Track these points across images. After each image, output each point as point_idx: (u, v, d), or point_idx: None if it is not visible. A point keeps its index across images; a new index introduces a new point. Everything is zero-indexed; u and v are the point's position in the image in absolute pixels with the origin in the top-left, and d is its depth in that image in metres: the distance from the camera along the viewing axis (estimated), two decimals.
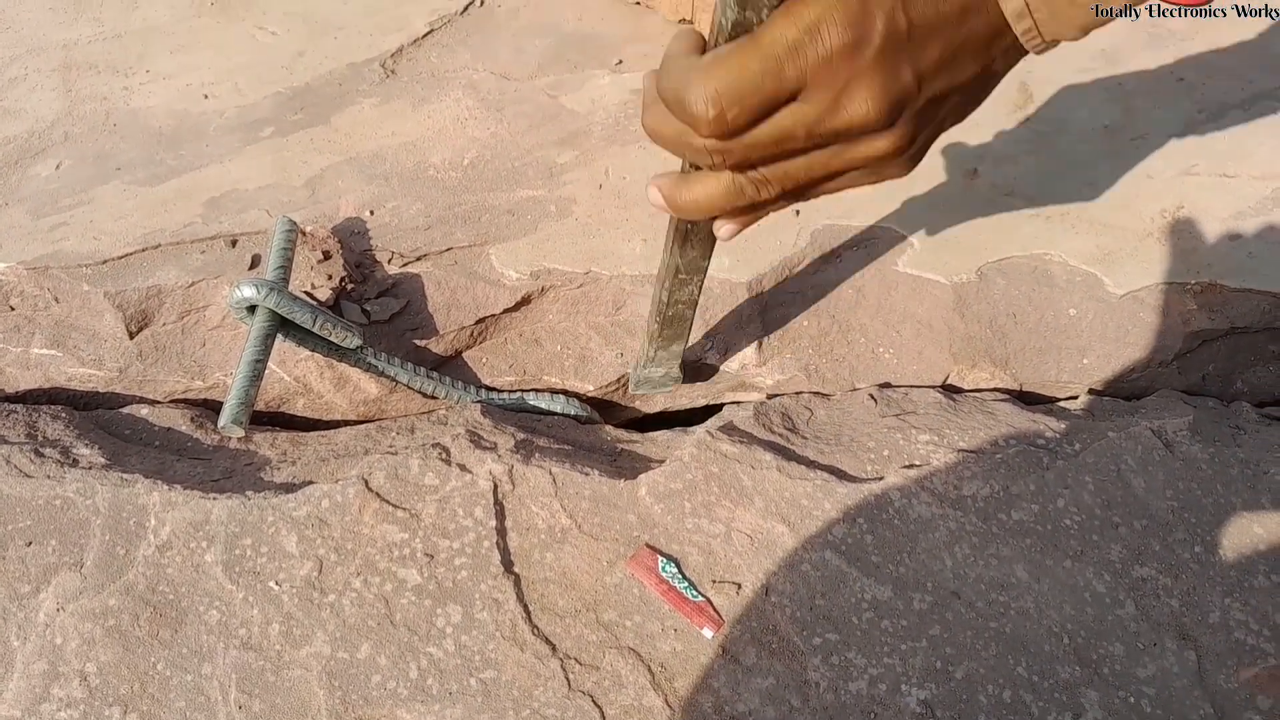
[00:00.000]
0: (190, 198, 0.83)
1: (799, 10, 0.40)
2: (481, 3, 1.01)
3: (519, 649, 0.59)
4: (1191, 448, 0.67)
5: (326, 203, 0.83)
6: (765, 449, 0.68)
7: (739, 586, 0.61)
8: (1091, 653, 0.58)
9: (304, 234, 0.78)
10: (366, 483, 0.66)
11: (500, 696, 0.58)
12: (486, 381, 0.80)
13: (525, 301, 0.79)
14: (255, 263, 0.79)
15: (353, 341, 0.70)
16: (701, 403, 0.81)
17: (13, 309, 0.79)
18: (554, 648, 0.59)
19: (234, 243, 0.80)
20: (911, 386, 0.77)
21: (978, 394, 0.77)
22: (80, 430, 0.73)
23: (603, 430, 0.78)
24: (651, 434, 0.77)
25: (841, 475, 0.67)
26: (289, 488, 0.67)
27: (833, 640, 0.59)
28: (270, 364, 0.74)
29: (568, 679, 0.58)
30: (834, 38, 0.40)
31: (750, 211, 0.49)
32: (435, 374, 0.76)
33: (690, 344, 0.73)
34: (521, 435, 0.71)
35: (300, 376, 0.77)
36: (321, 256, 0.76)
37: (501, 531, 0.64)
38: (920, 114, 0.44)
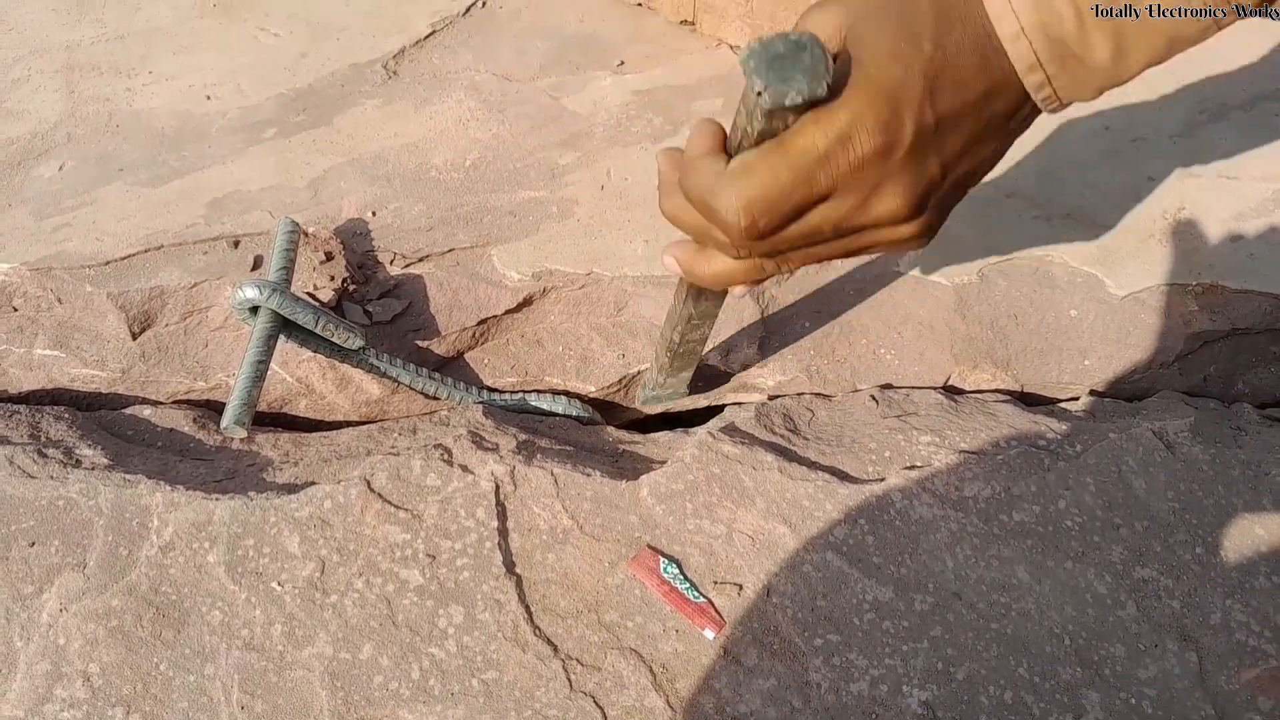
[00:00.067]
0: (193, 199, 0.83)
1: (829, 119, 0.40)
2: (483, 4, 1.01)
3: (521, 650, 0.59)
4: (1193, 449, 0.67)
5: (329, 204, 0.83)
6: (767, 450, 0.68)
7: (740, 587, 0.61)
8: (1093, 654, 0.58)
9: (306, 235, 0.78)
10: (369, 483, 0.66)
11: (502, 697, 0.58)
12: (488, 382, 0.81)
13: (527, 302, 0.80)
14: (258, 264, 0.79)
15: (355, 342, 0.70)
16: (703, 403, 0.81)
17: (16, 310, 0.80)
18: (556, 648, 0.59)
19: (236, 244, 0.80)
20: (913, 388, 0.77)
21: (979, 395, 0.77)
22: (83, 431, 0.73)
23: (604, 431, 0.78)
24: (653, 435, 0.77)
25: (843, 476, 0.67)
26: (291, 488, 0.67)
27: (834, 641, 0.59)
28: (272, 365, 0.74)
29: (569, 680, 0.58)
30: (865, 146, 0.40)
31: (768, 279, 0.51)
32: (437, 375, 0.76)
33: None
34: (523, 436, 0.71)
35: (302, 377, 0.78)
36: (324, 258, 0.77)
37: (503, 532, 0.64)
38: (943, 198, 0.45)
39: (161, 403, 0.79)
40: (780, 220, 0.43)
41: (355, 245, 0.80)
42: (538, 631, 0.60)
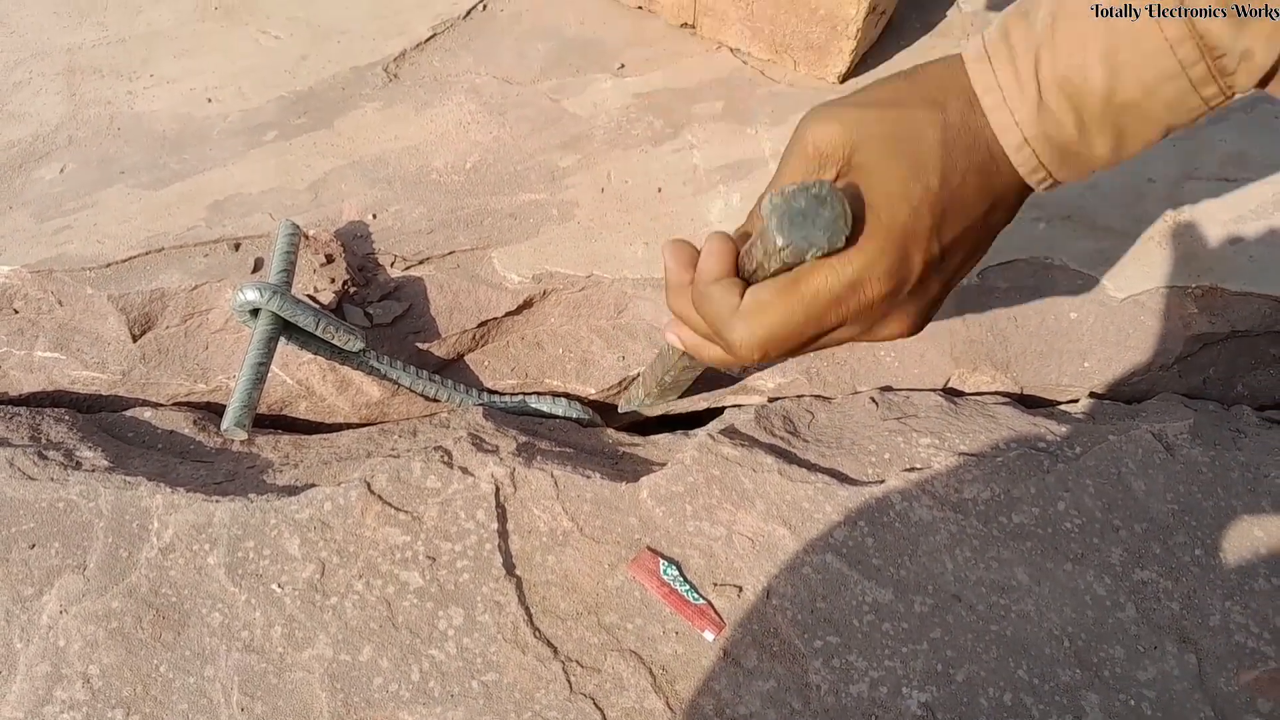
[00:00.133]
0: (194, 201, 0.84)
1: (843, 265, 0.41)
2: (484, 7, 1.01)
3: (521, 651, 0.59)
4: (1192, 451, 0.67)
5: (329, 206, 0.83)
6: (766, 452, 0.68)
7: (740, 589, 0.61)
8: (1092, 655, 0.58)
9: (307, 237, 0.78)
10: (369, 485, 0.66)
11: (502, 699, 0.58)
12: (488, 384, 0.81)
13: (527, 305, 0.80)
14: (258, 266, 0.79)
15: (355, 345, 0.70)
16: (702, 405, 0.81)
17: (17, 312, 0.80)
18: (556, 650, 0.60)
19: (237, 246, 0.80)
20: (912, 390, 0.77)
21: (979, 397, 0.77)
22: (83, 433, 0.73)
23: (604, 433, 0.78)
24: (653, 437, 0.77)
25: (843, 478, 0.67)
26: (291, 490, 0.67)
27: (834, 643, 0.59)
28: (273, 367, 0.74)
29: (569, 681, 0.58)
30: (876, 290, 0.42)
31: None
32: (437, 377, 0.76)
33: None
34: (523, 438, 0.71)
35: (303, 379, 0.78)
36: (324, 260, 0.77)
37: (503, 534, 0.64)
38: (939, 303, 0.47)
39: (162, 405, 0.79)
40: (789, 350, 0.45)
41: (356, 248, 0.80)
42: (538, 633, 0.60)
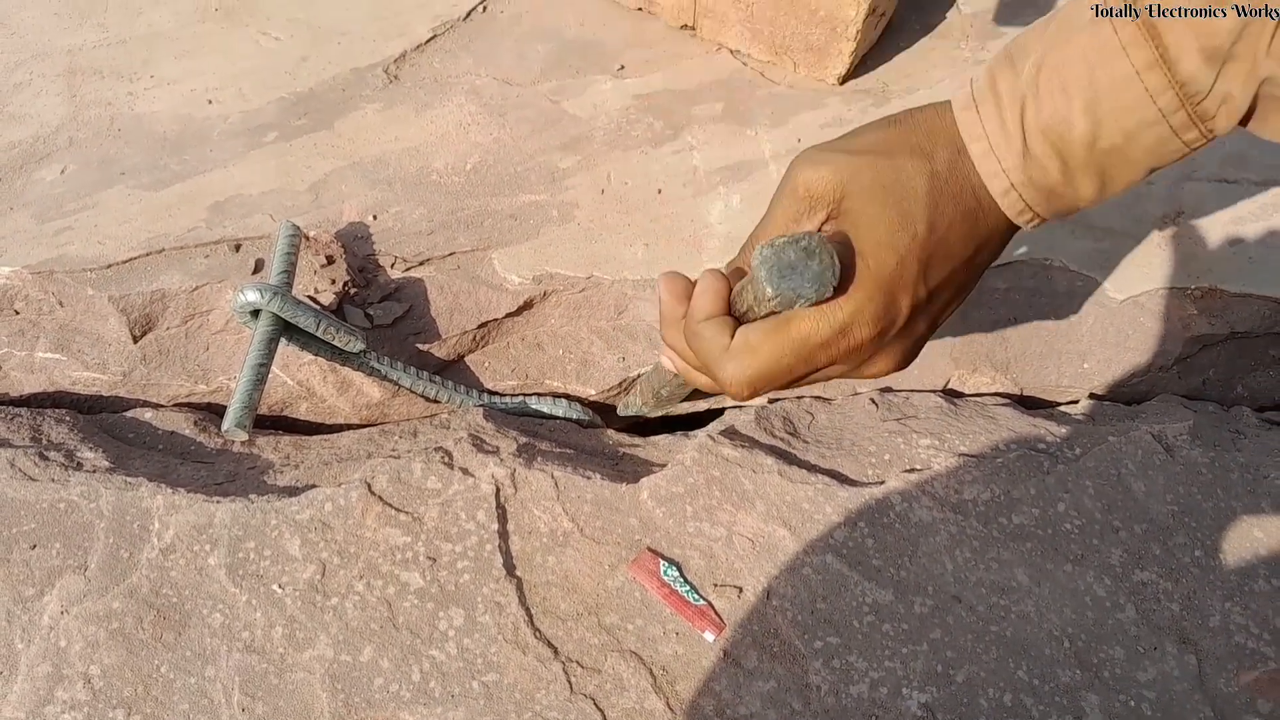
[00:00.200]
0: (194, 202, 0.84)
1: (830, 312, 0.43)
2: (484, 8, 1.01)
3: (521, 652, 0.59)
4: (1192, 452, 0.68)
5: (330, 207, 0.83)
6: (766, 453, 0.68)
7: (740, 590, 0.61)
8: (1092, 656, 0.58)
9: (307, 239, 0.78)
10: (369, 486, 0.66)
11: (502, 699, 0.58)
12: (489, 385, 0.81)
13: (527, 306, 0.80)
14: (259, 267, 0.79)
15: (356, 346, 0.70)
16: (703, 406, 0.81)
17: (17, 313, 0.80)
18: (556, 651, 0.60)
19: (238, 247, 0.81)
20: (912, 391, 0.77)
21: (978, 398, 0.77)
22: (84, 434, 0.73)
23: (604, 434, 0.78)
24: (653, 438, 0.77)
25: (843, 479, 0.67)
26: (292, 491, 0.67)
27: (834, 644, 0.59)
28: (273, 368, 0.74)
29: (570, 682, 0.58)
30: (863, 334, 0.44)
31: None
32: (438, 378, 0.76)
33: None
34: (523, 439, 0.71)
35: (303, 380, 0.78)
36: (325, 261, 0.77)
37: (504, 535, 0.64)
38: (927, 338, 0.49)
39: (162, 406, 0.79)
40: (778, 386, 0.47)
41: (356, 249, 0.80)
42: (538, 634, 0.60)
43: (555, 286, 0.79)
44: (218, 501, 0.66)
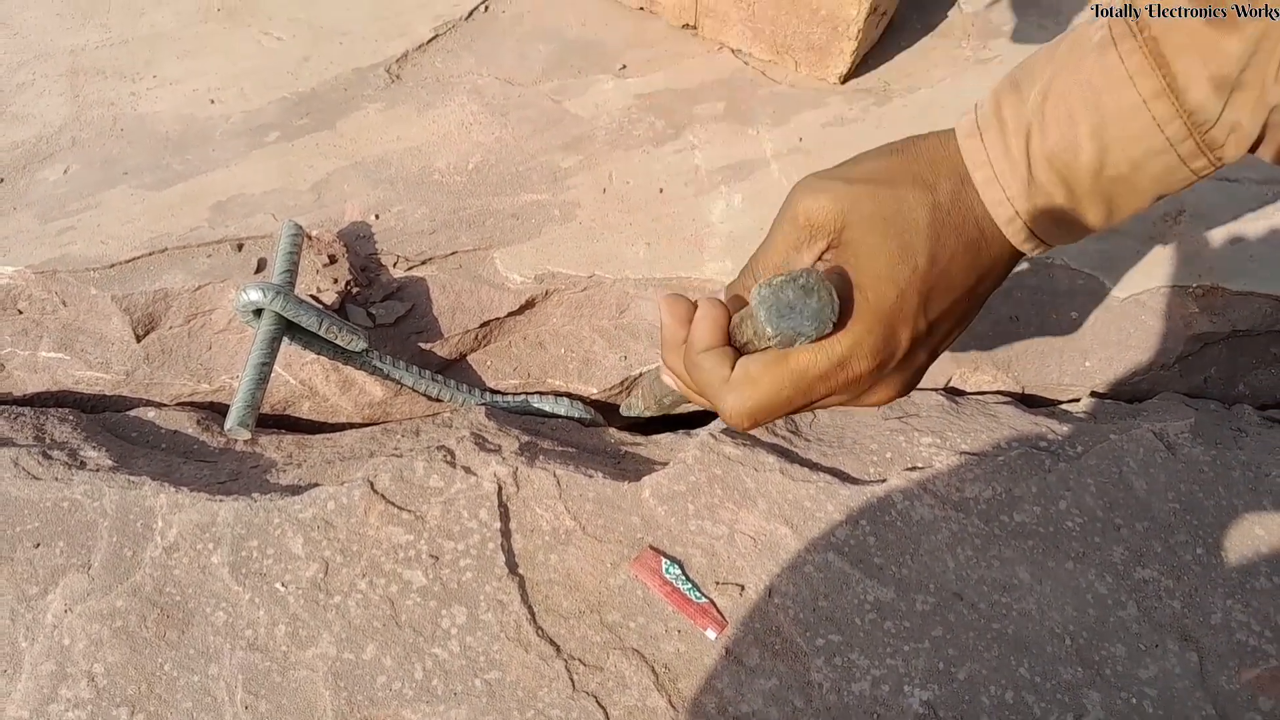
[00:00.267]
0: (197, 202, 0.84)
1: (830, 346, 0.43)
2: (486, 8, 1.02)
3: (523, 650, 0.60)
4: (1193, 450, 0.68)
5: (332, 207, 0.83)
6: (768, 451, 0.68)
7: (742, 588, 0.62)
8: (1094, 654, 0.58)
9: (310, 238, 0.78)
10: (372, 485, 0.66)
11: (505, 697, 0.58)
12: (491, 384, 0.81)
13: (529, 305, 0.80)
14: (261, 267, 0.80)
15: (358, 345, 0.70)
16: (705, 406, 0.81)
17: (21, 313, 0.80)
18: (558, 649, 0.60)
19: (240, 247, 0.81)
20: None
21: (980, 396, 0.77)
22: (88, 433, 0.73)
23: (606, 433, 0.78)
24: (655, 436, 0.77)
25: (844, 477, 0.67)
26: (295, 490, 0.67)
27: (836, 641, 0.59)
28: (276, 367, 0.75)
29: (572, 680, 0.58)
30: (862, 368, 0.44)
31: None
32: (440, 377, 0.76)
33: None
34: (526, 438, 0.71)
35: (306, 379, 0.78)
36: (327, 260, 0.77)
37: (506, 533, 0.64)
38: (927, 367, 0.49)
39: (165, 405, 0.79)
40: (778, 416, 0.46)
41: (358, 248, 0.80)
42: (540, 632, 0.60)
43: (557, 285, 0.79)
44: (221, 500, 0.66)
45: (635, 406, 0.76)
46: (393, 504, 0.65)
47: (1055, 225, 0.44)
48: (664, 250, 0.80)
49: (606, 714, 0.57)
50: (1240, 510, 0.64)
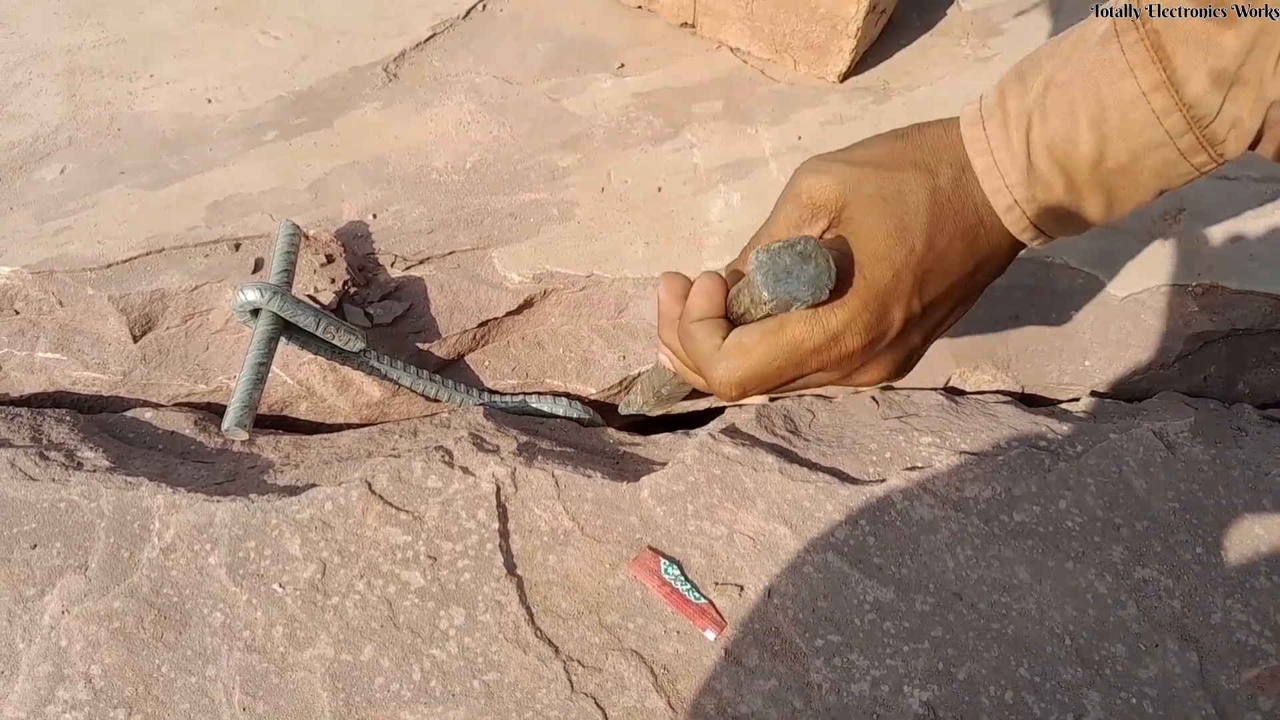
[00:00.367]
0: (194, 202, 0.84)
1: (825, 318, 0.43)
2: (484, 7, 1.01)
3: (522, 651, 0.59)
4: (1193, 449, 0.67)
5: (329, 206, 0.83)
6: (767, 451, 0.68)
7: (741, 588, 0.61)
8: (1093, 654, 0.58)
9: (307, 238, 0.78)
10: (369, 485, 0.66)
11: (503, 698, 0.58)
12: (489, 384, 0.81)
13: (527, 305, 0.80)
14: (258, 266, 0.79)
15: (356, 345, 0.70)
16: (704, 405, 0.81)
17: (17, 313, 0.80)
18: (557, 650, 0.60)
19: (237, 246, 0.80)
20: (913, 388, 0.77)
21: (980, 396, 0.77)
22: (85, 433, 0.73)
23: (605, 433, 0.78)
24: (654, 436, 0.77)
25: (844, 477, 0.67)
26: (292, 490, 0.67)
27: (835, 642, 0.59)
28: (273, 367, 0.74)
29: (570, 681, 0.58)
30: (854, 343, 0.44)
31: None
32: (438, 377, 0.76)
33: None
34: (524, 438, 0.71)
35: (303, 380, 0.78)
36: (324, 260, 0.77)
37: (504, 534, 0.64)
38: (920, 353, 0.49)
39: (163, 405, 0.79)
40: (768, 389, 0.47)
41: (356, 248, 0.80)
42: (539, 633, 0.60)
43: (555, 285, 0.79)
44: (218, 501, 0.66)
45: (634, 403, 0.76)
46: (390, 505, 0.65)
47: (1055, 216, 0.44)
48: (663, 249, 0.80)
49: (605, 715, 0.57)
50: (1240, 509, 0.64)
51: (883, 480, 0.66)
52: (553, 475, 0.66)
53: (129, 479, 0.67)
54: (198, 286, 0.78)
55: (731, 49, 0.96)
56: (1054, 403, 0.79)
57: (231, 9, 1.02)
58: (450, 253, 0.80)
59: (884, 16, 0.93)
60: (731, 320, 0.48)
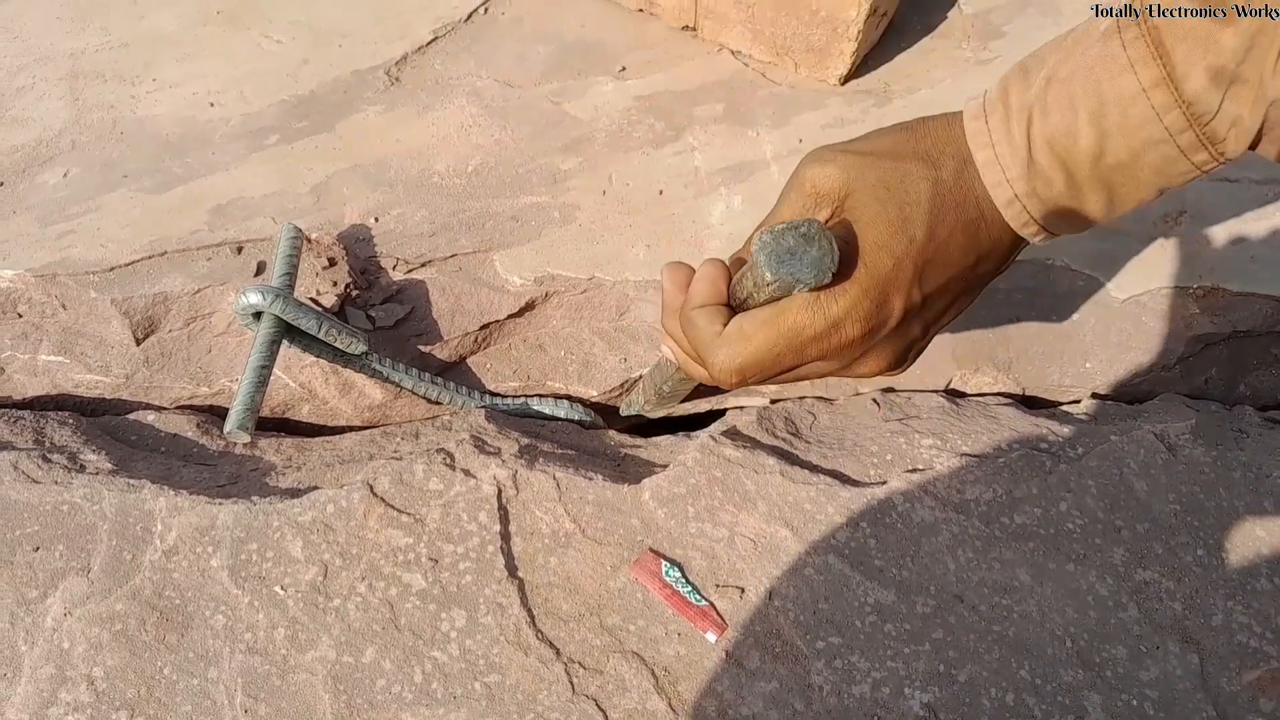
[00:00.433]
0: (196, 205, 0.84)
1: (826, 305, 0.44)
2: (485, 10, 1.02)
3: (523, 653, 0.59)
4: (1194, 451, 0.67)
5: (331, 210, 0.83)
6: (768, 453, 0.68)
7: (742, 591, 0.61)
8: (1094, 656, 0.58)
9: (309, 241, 0.78)
10: (371, 488, 0.66)
11: (504, 700, 0.58)
12: (491, 387, 0.81)
13: (529, 307, 0.80)
14: (261, 269, 0.80)
15: (358, 347, 0.70)
16: (704, 407, 0.81)
17: (21, 316, 0.80)
18: (558, 652, 0.60)
19: (240, 250, 0.81)
20: (914, 391, 0.77)
21: (980, 398, 0.77)
22: (87, 436, 0.73)
23: (606, 435, 0.78)
24: (655, 439, 0.77)
25: (845, 479, 0.67)
26: (294, 493, 0.67)
27: (836, 644, 0.59)
28: (275, 370, 0.75)
29: (572, 683, 0.58)
30: (854, 331, 0.44)
31: None
32: (440, 380, 0.76)
33: None
34: (525, 440, 0.71)
35: (305, 382, 0.78)
36: (326, 263, 0.77)
37: (505, 536, 0.64)
38: (921, 346, 0.49)
39: (165, 408, 0.79)
40: (767, 377, 0.47)
41: (358, 251, 0.80)
42: (540, 635, 0.60)
43: (557, 288, 0.79)
44: (220, 503, 0.66)
45: (635, 403, 0.76)
46: (392, 507, 0.65)
47: (1055, 212, 0.44)
48: (664, 252, 0.80)
49: (606, 717, 0.57)
50: (1241, 511, 0.64)
51: (884, 482, 0.66)
52: (554, 477, 0.66)
53: (131, 481, 0.67)
54: (200, 290, 0.78)
55: (733, 52, 0.96)
56: (1055, 405, 0.79)
57: (233, 13, 1.02)
58: (452, 255, 0.80)
59: (885, 19, 0.93)
60: (734, 307, 0.48)
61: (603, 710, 0.57)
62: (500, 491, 0.66)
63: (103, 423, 0.77)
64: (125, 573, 0.63)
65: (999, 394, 0.78)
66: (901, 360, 0.48)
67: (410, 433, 0.76)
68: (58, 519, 0.66)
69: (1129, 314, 0.76)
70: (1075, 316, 0.77)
